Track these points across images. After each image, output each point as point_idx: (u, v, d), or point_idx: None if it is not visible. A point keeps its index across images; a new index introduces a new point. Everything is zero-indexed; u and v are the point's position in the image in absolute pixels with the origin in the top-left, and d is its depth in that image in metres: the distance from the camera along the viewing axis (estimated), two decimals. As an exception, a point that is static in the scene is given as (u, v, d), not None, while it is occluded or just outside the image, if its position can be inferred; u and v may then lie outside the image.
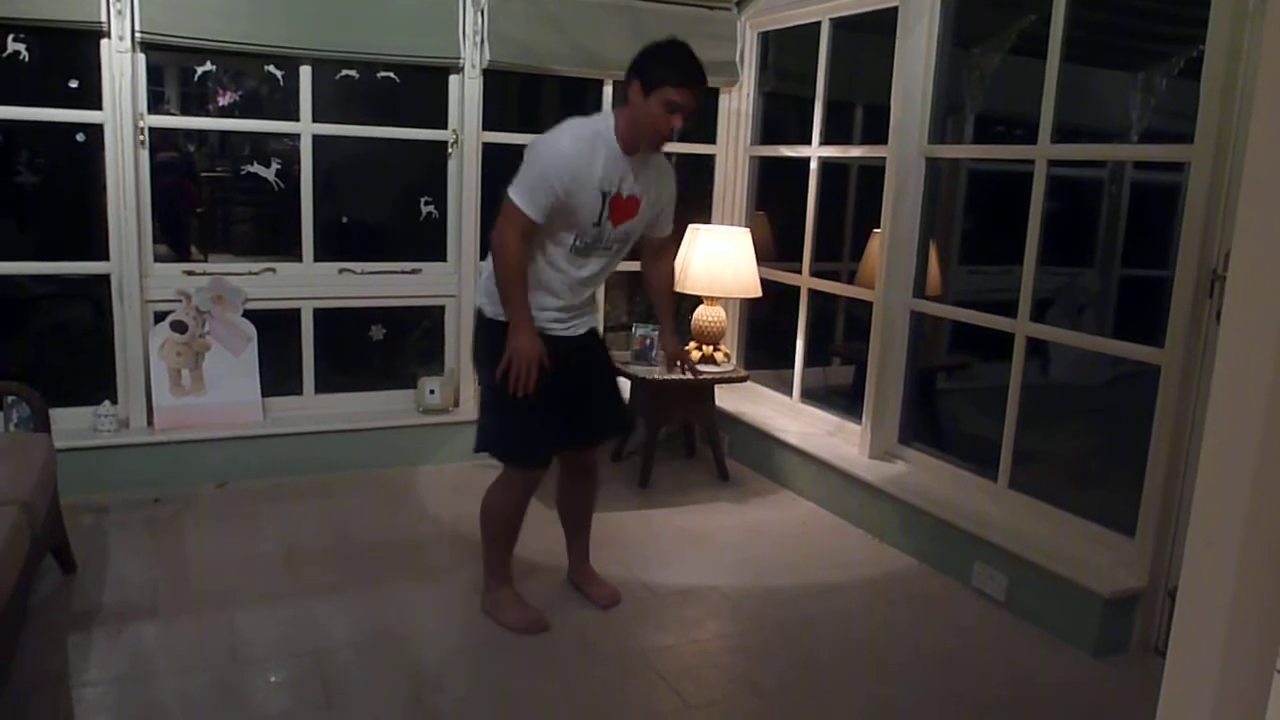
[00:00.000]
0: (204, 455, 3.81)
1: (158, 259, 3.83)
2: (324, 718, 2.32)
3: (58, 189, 3.94)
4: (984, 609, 3.10)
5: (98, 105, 3.59)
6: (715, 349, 4.23)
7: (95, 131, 3.62)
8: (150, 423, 3.79)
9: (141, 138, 3.64)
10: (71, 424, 3.67)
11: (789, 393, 4.49)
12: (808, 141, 4.27)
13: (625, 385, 3.23)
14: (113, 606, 2.83)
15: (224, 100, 3.94)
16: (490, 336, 2.68)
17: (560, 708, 2.44)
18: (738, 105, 4.63)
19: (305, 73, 3.88)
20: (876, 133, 3.79)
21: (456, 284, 4.25)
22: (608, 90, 4.35)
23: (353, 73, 3.98)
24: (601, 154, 2.55)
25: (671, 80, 2.53)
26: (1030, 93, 3.17)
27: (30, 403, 3.13)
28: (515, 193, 2.52)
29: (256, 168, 4.03)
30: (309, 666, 2.55)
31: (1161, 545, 2.80)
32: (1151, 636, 2.85)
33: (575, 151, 2.53)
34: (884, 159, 3.71)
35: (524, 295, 2.60)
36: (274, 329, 4.02)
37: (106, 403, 3.71)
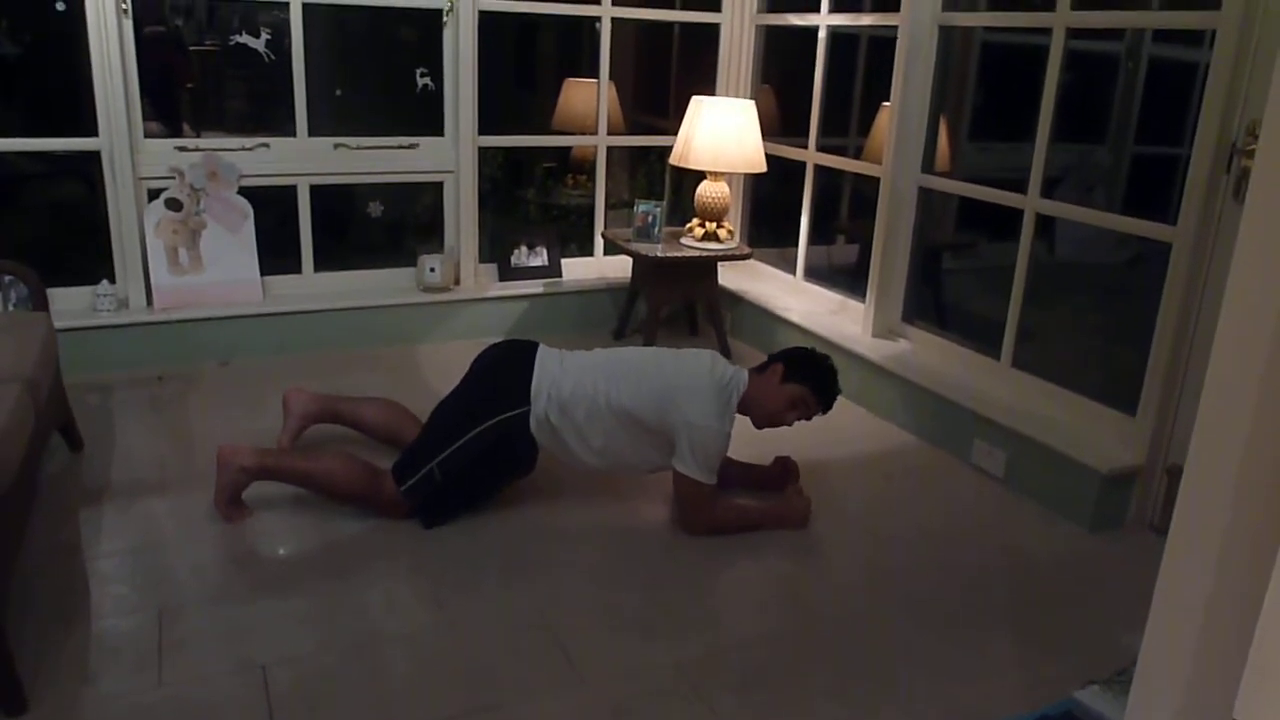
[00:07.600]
0: (205, 334, 3.81)
1: (149, 135, 3.74)
2: (336, 587, 2.38)
3: (41, 62, 3.82)
4: (982, 484, 3.14)
5: (76, -30, 3.44)
6: (718, 225, 4.17)
7: (75, 1, 3.48)
8: (150, 302, 3.76)
9: (124, 5, 3.50)
10: (70, 304, 3.65)
11: (792, 271, 4.45)
12: (816, 9, 4.11)
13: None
14: (121, 482, 2.87)
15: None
16: (519, 443, 2.67)
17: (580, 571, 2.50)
18: (744, -29, 4.44)
19: (292, -65, 3.71)
20: (888, 0, 3.64)
21: (454, 159, 4.16)
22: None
23: (342, -64, 3.80)
24: (730, 423, 2.72)
25: (817, 400, 2.81)
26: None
27: (27, 282, 3.10)
28: (704, 475, 2.65)
29: (246, 38, 3.89)
30: (314, 536, 2.60)
31: (1161, 424, 2.81)
32: (1147, 513, 2.89)
33: (730, 425, 2.70)
34: (895, 28, 3.59)
35: (753, 510, 2.82)
36: (270, 206, 3.95)
37: (105, 282, 3.68)
